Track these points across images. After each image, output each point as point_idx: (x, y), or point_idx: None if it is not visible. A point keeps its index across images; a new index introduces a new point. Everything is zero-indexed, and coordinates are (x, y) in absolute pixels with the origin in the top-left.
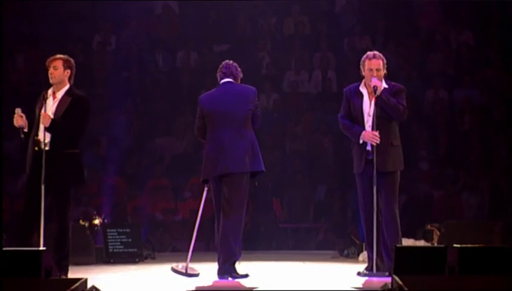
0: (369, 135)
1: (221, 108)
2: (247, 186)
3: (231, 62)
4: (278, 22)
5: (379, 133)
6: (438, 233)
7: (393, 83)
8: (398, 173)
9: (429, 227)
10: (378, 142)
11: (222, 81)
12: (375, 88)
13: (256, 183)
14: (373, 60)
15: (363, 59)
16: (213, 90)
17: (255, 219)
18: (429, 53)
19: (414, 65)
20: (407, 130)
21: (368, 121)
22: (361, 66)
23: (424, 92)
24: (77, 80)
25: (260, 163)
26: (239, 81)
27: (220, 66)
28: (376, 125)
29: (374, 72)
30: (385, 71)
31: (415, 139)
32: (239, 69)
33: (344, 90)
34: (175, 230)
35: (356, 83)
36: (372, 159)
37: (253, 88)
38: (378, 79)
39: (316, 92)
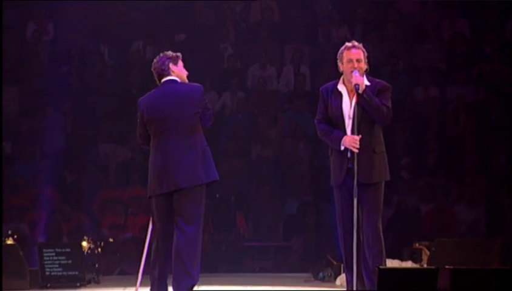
0: (350, 140)
1: (163, 114)
2: (203, 199)
3: (169, 53)
4: (244, 8)
5: (361, 138)
6: (427, 252)
7: (376, 80)
8: (383, 184)
9: (417, 245)
10: (357, 147)
11: (164, 80)
12: (356, 86)
13: (217, 195)
14: (353, 50)
15: (340, 50)
16: (152, 91)
17: (216, 237)
18: (418, 45)
19: (400, 59)
20: (393, 134)
21: (349, 124)
22: (338, 61)
23: (412, 90)
24: (7, 75)
25: (214, 172)
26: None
27: (154, 61)
28: (357, 129)
29: (354, 63)
30: (367, 66)
31: (402, 145)
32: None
33: (320, 89)
34: (123, 249)
35: (333, 81)
36: (353, 168)
37: (199, 85)
38: (360, 73)
39: (287, 90)
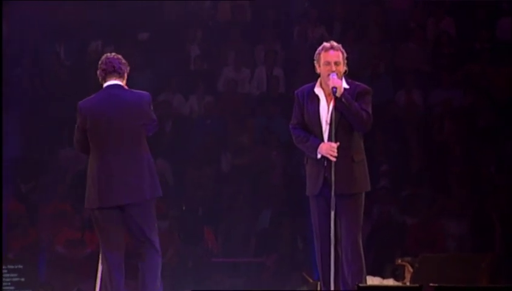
0: (327, 148)
1: (106, 123)
2: (154, 213)
3: (113, 54)
4: (212, 6)
5: (339, 146)
6: (411, 269)
7: (356, 82)
8: (363, 195)
9: (399, 261)
10: (335, 155)
11: (107, 84)
12: (334, 90)
13: (184, 208)
14: (331, 52)
15: (317, 51)
16: (94, 95)
17: (182, 253)
18: (400, 45)
19: (381, 60)
20: (373, 141)
21: (327, 130)
22: (315, 62)
23: (394, 94)
24: None
25: (159, 187)
26: (125, 79)
27: (100, 61)
28: (335, 136)
29: (332, 66)
30: (346, 68)
31: (383, 153)
32: (124, 62)
33: (296, 92)
34: (80, 267)
35: (310, 84)
36: (330, 178)
37: (147, 93)
38: (338, 76)
39: (260, 93)
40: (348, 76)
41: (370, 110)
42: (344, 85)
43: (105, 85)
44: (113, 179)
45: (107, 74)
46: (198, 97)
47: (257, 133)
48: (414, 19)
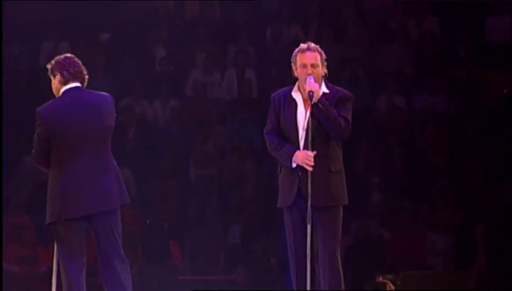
0: (303, 156)
1: (77, 128)
2: (120, 224)
3: (73, 56)
4: (179, 4)
5: (316, 155)
6: (392, 287)
7: (337, 87)
8: (340, 208)
9: (380, 279)
10: (311, 164)
11: (68, 87)
12: (310, 94)
13: (148, 221)
14: (308, 53)
15: (294, 52)
16: (55, 100)
17: (146, 270)
18: (381, 46)
19: (360, 62)
20: (351, 150)
21: (303, 137)
22: (292, 64)
23: (374, 99)
24: None
25: (127, 194)
26: (85, 84)
27: (61, 62)
28: (312, 144)
29: (309, 68)
30: (325, 71)
31: (362, 162)
32: (83, 67)
33: (272, 95)
34: (36, 286)
35: (288, 88)
36: (305, 189)
37: (109, 95)
38: (315, 79)
39: (231, 98)
40: (326, 79)
41: (349, 117)
42: (324, 89)
43: (65, 88)
44: (81, 187)
45: (72, 78)
46: (164, 102)
47: (228, 140)
48: (395, 19)
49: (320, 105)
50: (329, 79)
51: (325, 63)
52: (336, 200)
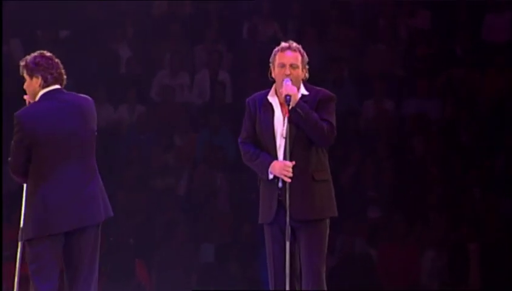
0: (280, 167)
1: (57, 133)
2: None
3: (52, 55)
4: None
5: (296, 164)
6: None
7: (317, 88)
8: (327, 221)
9: None
10: (289, 175)
11: (48, 89)
12: (287, 98)
13: (111, 238)
14: (288, 52)
15: (274, 51)
16: (35, 102)
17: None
18: (368, 46)
19: (345, 63)
20: (333, 158)
21: (282, 146)
22: (270, 64)
23: (361, 103)
24: None
25: (110, 207)
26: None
27: (44, 64)
28: (292, 152)
29: (287, 69)
30: (307, 75)
31: (347, 173)
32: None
33: (247, 100)
34: None
35: (264, 91)
36: (284, 202)
37: (89, 97)
38: (293, 82)
39: (202, 102)
40: (308, 81)
41: (333, 120)
42: (303, 91)
43: (45, 91)
44: (66, 199)
45: (54, 81)
46: (129, 107)
47: (199, 149)
48: (383, 15)
49: (298, 109)
50: (311, 82)
51: (306, 67)
52: (320, 213)
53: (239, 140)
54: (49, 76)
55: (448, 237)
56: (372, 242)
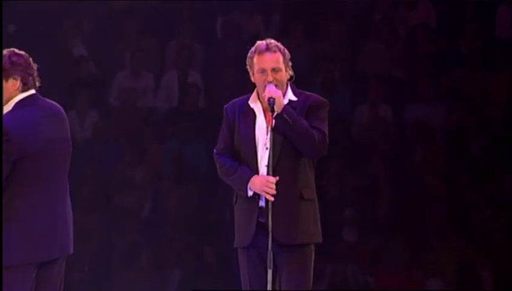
0: (261, 182)
1: (45, 145)
2: None
3: (25, 54)
4: None
5: (280, 179)
6: None
7: (306, 93)
8: (312, 247)
9: None
10: (272, 193)
11: (26, 95)
12: (270, 101)
13: (86, 268)
14: (267, 55)
15: (250, 54)
16: (19, 110)
17: None
18: (363, 44)
19: (337, 63)
20: (320, 172)
21: (264, 158)
22: (248, 68)
23: (354, 108)
24: None
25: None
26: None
27: (22, 64)
28: (275, 165)
29: (269, 75)
30: (291, 73)
31: (339, 190)
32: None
33: (225, 107)
34: None
35: (244, 97)
36: (267, 223)
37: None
38: (278, 86)
39: (170, 108)
40: (293, 84)
41: (325, 129)
42: (290, 96)
43: (23, 96)
44: (52, 223)
45: (33, 85)
46: (83, 113)
47: (166, 163)
48: (380, 9)
49: (285, 115)
50: (297, 84)
51: (290, 64)
52: (308, 237)
53: (214, 151)
54: (30, 79)
55: (455, 263)
56: (368, 269)
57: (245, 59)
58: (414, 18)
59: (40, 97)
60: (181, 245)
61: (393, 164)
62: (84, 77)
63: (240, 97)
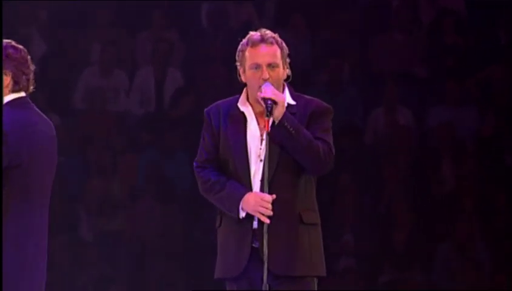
0: (256, 201)
1: (51, 157)
2: None
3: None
4: None
5: (277, 198)
6: None
7: (306, 97)
8: (315, 280)
9: None
10: (268, 214)
11: (18, 96)
12: (268, 104)
13: None
14: (263, 48)
15: (240, 46)
16: (19, 110)
17: None
18: (376, 35)
19: (345, 59)
20: (326, 189)
21: (258, 172)
22: (238, 64)
23: (367, 113)
24: None
25: None
26: None
27: (18, 59)
28: (271, 180)
29: (265, 71)
30: (289, 72)
31: (347, 213)
32: None
33: (206, 110)
34: None
35: (231, 98)
36: (260, 250)
37: None
38: (275, 87)
39: (145, 112)
40: (292, 84)
41: (330, 140)
42: (288, 100)
43: (14, 97)
44: (44, 253)
45: (27, 85)
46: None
47: (141, 176)
48: None
49: (286, 123)
50: (296, 85)
51: (288, 61)
52: (308, 269)
53: (195, 164)
54: (23, 78)
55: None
56: None
57: (235, 53)
58: (439, 4)
59: (32, 103)
60: (160, 277)
61: (413, 179)
62: (41, 74)
63: (226, 99)
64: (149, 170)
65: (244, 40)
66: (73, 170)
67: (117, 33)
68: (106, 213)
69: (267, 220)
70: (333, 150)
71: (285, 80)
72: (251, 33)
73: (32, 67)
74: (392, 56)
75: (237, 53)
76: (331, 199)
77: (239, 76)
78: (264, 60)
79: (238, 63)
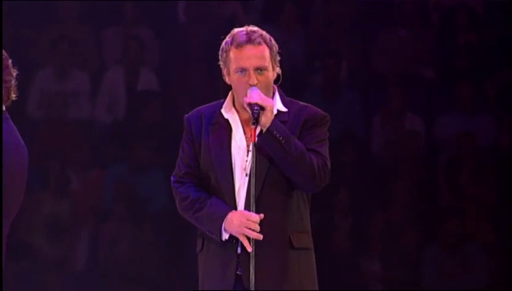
0: (241, 221)
1: (23, 178)
2: None
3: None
4: None
5: (265, 218)
6: None
7: (300, 103)
8: None
9: None
10: (255, 235)
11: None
12: (255, 110)
13: None
14: (249, 49)
15: (224, 45)
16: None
17: None
18: (379, 33)
19: (343, 58)
20: (323, 205)
21: (242, 188)
22: (221, 64)
23: (368, 119)
24: None
25: None
26: None
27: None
28: (258, 197)
29: (252, 76)
30: (278, 71)
31: (349, 234)
32: None
33: (186, 117)
34: None
35: (213, 104)
36: (247, 277)
37: None
38: (264, 92)
39: (113, 120)
40: (282, 88)
41: (326, 152)
42: (279, 106)
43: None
44: None
45: (9, 94)
46: None
47: (108, 195)
48: None
49: (275, 132)
50: (287, 88)
51: (278, 59)
52: None
53: (172, 179)
54: (13, 81)
55: None
56: None
57: (218, 52)
58: (452, 2)
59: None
60: None
61: (423, 195)
62: None
63: (208, 104)
64: (117, 187)
65: (228, 39)
66: (28, 187)
67: (81, 28)
68: (67, 236)
69: (250, 248)
70: (329, 164)
71: (275, 81)
72: (235, 30)
73: (14, 72)
74: (397, 56)
75: (220, 52)
76: (328, 216)
77: (224, 77)
78: (251, 64)
79: (221, 63)
